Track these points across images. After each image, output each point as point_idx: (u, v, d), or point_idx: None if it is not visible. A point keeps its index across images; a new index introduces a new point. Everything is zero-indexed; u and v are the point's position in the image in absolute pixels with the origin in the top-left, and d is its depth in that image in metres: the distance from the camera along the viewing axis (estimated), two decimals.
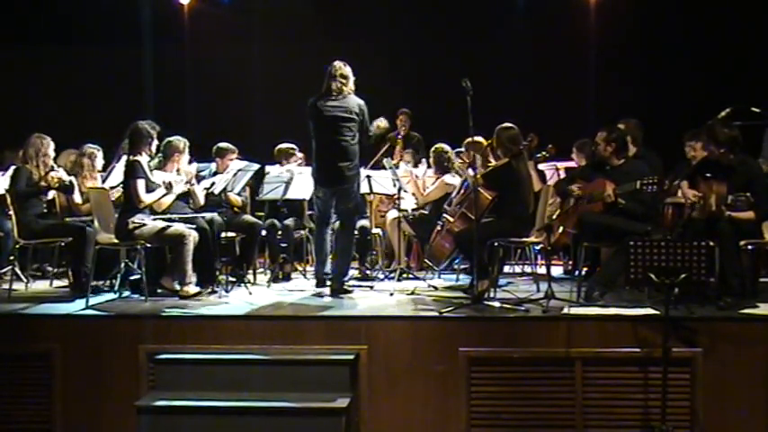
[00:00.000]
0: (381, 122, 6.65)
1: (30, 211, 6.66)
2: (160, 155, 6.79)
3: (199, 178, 6.98)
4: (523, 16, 10.65)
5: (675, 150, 6.88)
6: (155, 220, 6.36)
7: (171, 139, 6.74)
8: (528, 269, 8.13)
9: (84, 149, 7.30)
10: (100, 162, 7.33)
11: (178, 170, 6.70)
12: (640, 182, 5.75)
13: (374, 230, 7.92)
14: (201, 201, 6.80)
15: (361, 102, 6.43)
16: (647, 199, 5.95)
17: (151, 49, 10.51)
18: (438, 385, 5.43)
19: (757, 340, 5.29)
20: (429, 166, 8.01)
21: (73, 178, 7.00)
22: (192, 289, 6.29)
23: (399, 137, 8.62)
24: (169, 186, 6.42)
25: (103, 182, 7.21)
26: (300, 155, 7.94)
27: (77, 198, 7.05)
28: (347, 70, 6.44)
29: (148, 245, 6.30)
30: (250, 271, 7.45)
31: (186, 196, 6.78)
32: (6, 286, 6.74)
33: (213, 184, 6.99)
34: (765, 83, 8.65)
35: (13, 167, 6.95)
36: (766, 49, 9.42)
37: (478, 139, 6.69)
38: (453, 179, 7.46)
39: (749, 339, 5.30)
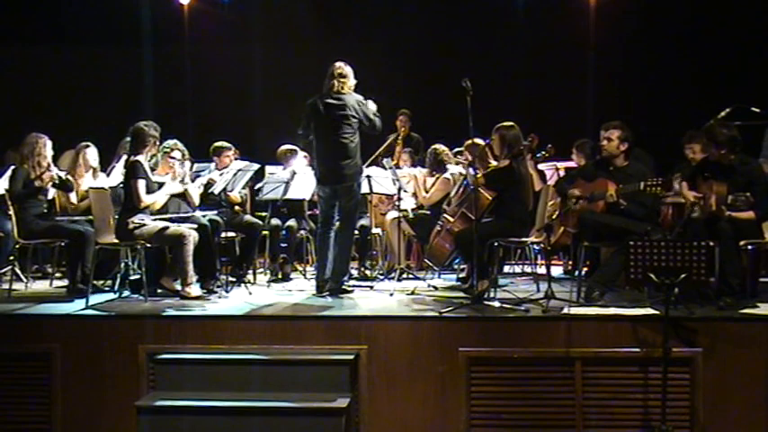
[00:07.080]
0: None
1: (30, 211, 6.65)
2: (158, 155, 6.76)
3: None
4: (523, 16, 10.66)
5: (675, 151, 6.89)
6: (154, 220, 6.36)
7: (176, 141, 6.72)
8: (528, 269, 8.14)
9: (77, 147, 7.30)
10: (92, 154, 7.31)
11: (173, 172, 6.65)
12: (644, 183, 5.71)
13: (374, 230, 7.92)
14: (197, 201, 6.76)
15: (360, 97, 6.42)
16: (648, 202, 5.94)
17: (151, 49, 10.52)
18: (438, 385, 5.43)
19: (757, 340, 5.28)
20: (425, 166, 7.98)
21: (70, 177, 7.00)
22: (195, 291, 6.28)
23: (399, 138, 8.62)
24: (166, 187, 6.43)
25: (107, 177, 7.21)
26: (304, 154, 7.92)
27: (73, 197, 7.06)
28: (347, 70, 6.43)
29: (148, 245, 6.31)
30: (250, 271, 7.45)
31: (182, 197, 6.76)
32: (6, 286, 6.74)
33: (212, 180, 6.97)
34: (765, 83, 8.65)
35: (11, 167, 6.96)
36: (766, 48, 9.42)
37: (478, 140, 6.70)
38: (454, 168, 7.47)
39: (749, 339, 5.30)
